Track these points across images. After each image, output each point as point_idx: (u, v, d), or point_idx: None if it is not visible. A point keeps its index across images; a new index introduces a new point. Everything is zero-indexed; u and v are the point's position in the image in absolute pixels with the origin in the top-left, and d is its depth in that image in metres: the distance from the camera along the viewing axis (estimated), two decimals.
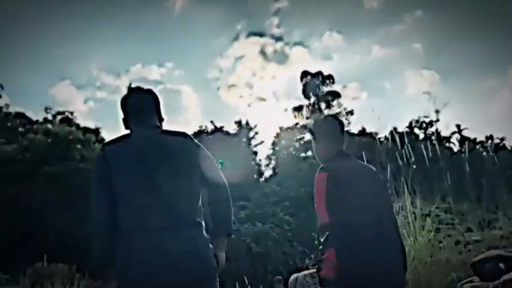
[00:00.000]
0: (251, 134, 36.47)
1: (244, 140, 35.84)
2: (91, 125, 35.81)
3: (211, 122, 36.30)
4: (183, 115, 60.51)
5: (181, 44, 61.60)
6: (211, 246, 1.82)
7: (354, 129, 37.83)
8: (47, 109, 36.52)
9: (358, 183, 2.02)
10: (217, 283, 1.84)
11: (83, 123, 33.87)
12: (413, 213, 3.40)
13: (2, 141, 22.77)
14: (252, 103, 66.60)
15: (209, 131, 34.47)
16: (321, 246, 1.93)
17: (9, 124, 26.61)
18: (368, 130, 35.27)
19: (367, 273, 1.87)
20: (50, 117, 33.99)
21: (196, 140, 1.94)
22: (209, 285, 1.78)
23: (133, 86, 2.20)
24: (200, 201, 1.87)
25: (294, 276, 5.92)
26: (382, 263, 1.90)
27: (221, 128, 35.02)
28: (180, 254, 1.68)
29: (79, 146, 23.34)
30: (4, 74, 60.38)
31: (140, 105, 2.02)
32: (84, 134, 24.73)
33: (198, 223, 1.80)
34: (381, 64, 57.34)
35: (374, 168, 2.23)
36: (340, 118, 2.43)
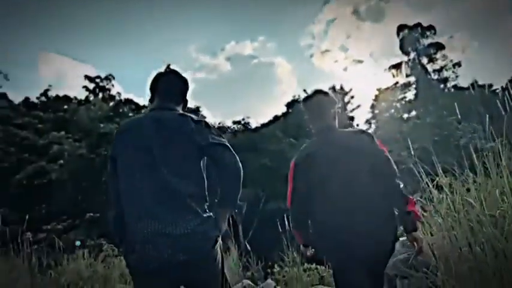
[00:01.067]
0: (346, 99, 35.03)
1: (340, 105, 34.62)
2: (192, 104, 37.99)
3: (304, 90, 35.62)
4: (278, 87, 60.74)
5: (271, 16, 61.43)
6: (207, 227, 1.82)
7: (464, 82, 34.10)
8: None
9: (321, 167, 2.17)
10: (214, 264, 1.86)
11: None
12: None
13: (116, 127, 25.22)
14: (348, 67, 63.74)
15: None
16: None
17: (120, 110, 29.31)
18: (481, 82, 31.44)
19: (326, 246, 2.14)
20: None
21: (205, 121, 1.98)
22: (199, 267, 1.79)
23: (174, 68, 2.42)
24: (204, 182, 1.92)
25: None
26: (348, 234, 2.03)
27: None
28: (166, 236, 1.73)
29: None
30: (113, 64, 66.79)
31: (168, 87, 2.11)
32: None
33: (191, 203, 1.80)
34: (494, 7, 50.41)
35: (357, 136, 2.27)
36: (327, 93, 2.44)
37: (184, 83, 2.19)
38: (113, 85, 41.97)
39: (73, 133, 28.20)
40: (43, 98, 36.49)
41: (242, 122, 27.11)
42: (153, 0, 60.17)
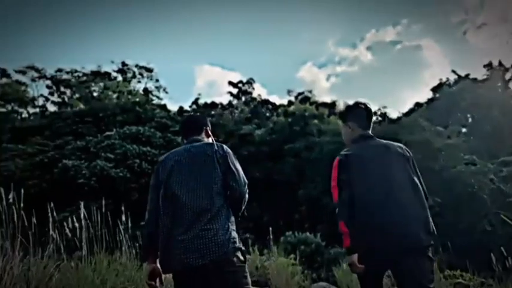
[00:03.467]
0: (507, 76, 30.00)
1: (499, 84, 29.83)
2: (329, 99, 37.63)
3: (453, 71, 31.78)
4: (427, 71, 55.85)
5: None
6: (232, 233, 2.15)
7: None
8: (289, 92, 40.48)
9: (368, 163, 2.37)
10: (237, 269, 2.11)
11: (326, 99, 36.02)
12: None
13: (254, 127, 26.52)
14: (510, 40, 54.58)
15: (451, 82, 30.24)
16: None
17: (259, 111, 30.70)
18: None
19: (371, 237, 2.20)
20: (292, 99, 37.62)
21: (224, 147, 2.37)
22: (225, 267, 2.07)
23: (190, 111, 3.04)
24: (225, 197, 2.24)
25: None
26: (387, 226, 2.19)
27: (466, 76, 30.19)
28: (200, 242, 2.07)
29: (316, 121, 24.78)
30: (257, 68, 70.57)
31: (189, 126, 2.65)
32: (317, 109, 25.99)
33: (218, 215, 2.14)
34: None
35: (393, 145, 2.49)
36: (368, 106, 2.64)
37: (198, 119, 2.73)
38: (253, 88, 44.48)
39: (219, 136, 30.65)
40: (194, 106, 40.75)
41: (378, 113, 25.55)
42: (289, 2, 61.64)
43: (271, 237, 7.84)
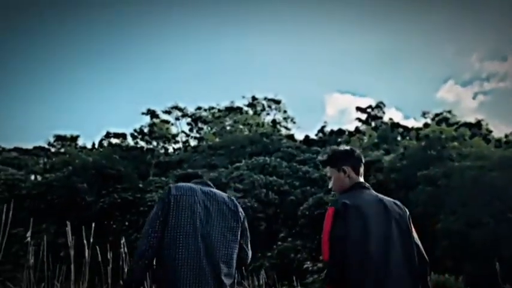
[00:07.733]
0: None
1: None
2: (473, 119, 33.46)
3: None
4: None
5: None
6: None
7: None
8: (424, 114, 37.14)
9: (368, 221, 2.10)
10: None
11: (470, 119, 32.41)
12: None
13: (382, 153, 24.62)
14: None
15: None
16: None
17: (388, 135, 28.60)
18: None
19: None
20: (429, 121, 34.30)
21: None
22: None
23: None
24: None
25: None
26: None
27: None
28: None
29: (455, 144, 21.89)
30: (388, 91, 67.34)
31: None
32: (457, 130, 22.99)
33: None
34: None
35: (389, 202, 2.24)
36: (357, 151, 2.48)
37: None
38: (383, 112, 42.08)
39: None
40: (320, 134, 40.30)
41: None
42: (423, 19, 57.95)
43: None
